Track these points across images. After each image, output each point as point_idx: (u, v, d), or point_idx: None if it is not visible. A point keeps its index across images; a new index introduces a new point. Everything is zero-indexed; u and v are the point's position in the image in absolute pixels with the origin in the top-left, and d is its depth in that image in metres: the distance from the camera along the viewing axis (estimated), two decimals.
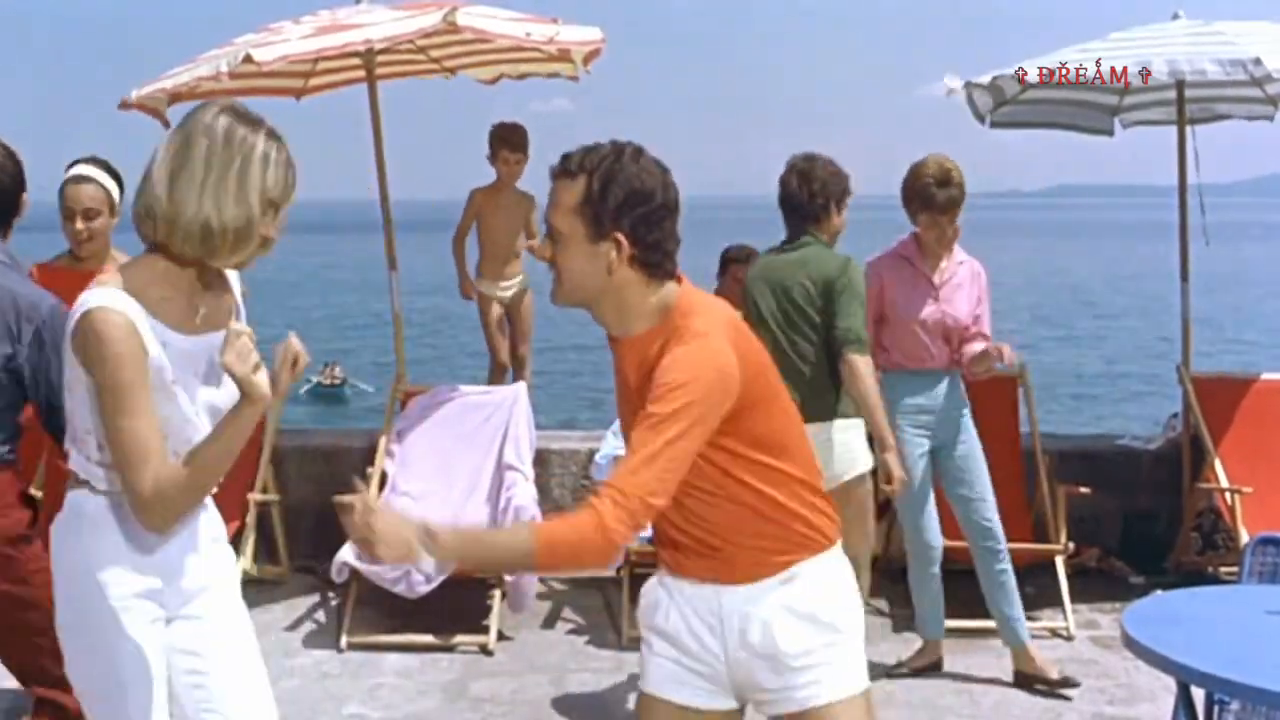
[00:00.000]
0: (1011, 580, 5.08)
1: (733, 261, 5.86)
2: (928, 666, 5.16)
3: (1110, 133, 7.06)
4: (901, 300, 5.05)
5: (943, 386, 5.08)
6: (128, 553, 2.61)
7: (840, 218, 4.78)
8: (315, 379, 26.93)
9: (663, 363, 2.47)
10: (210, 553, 2.78)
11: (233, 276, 2.76)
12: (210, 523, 2.81)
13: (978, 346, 5.08)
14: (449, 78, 7.04)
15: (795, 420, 2.70)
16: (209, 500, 2.78)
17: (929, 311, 5.04)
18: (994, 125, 6.66)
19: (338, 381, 26.79)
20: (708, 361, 2.45)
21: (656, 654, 2.74)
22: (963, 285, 5.12)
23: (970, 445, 5.12)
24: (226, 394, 2.60)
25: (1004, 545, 5.08)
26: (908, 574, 5.16)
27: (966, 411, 5.15)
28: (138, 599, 2.61)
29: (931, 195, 4.93)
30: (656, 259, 2.51)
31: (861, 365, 4.56)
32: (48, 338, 3.28)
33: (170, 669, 2.68)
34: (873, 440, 4.70)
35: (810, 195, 4.69)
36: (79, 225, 4.23)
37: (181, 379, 2.59)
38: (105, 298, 2.49)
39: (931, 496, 5.09)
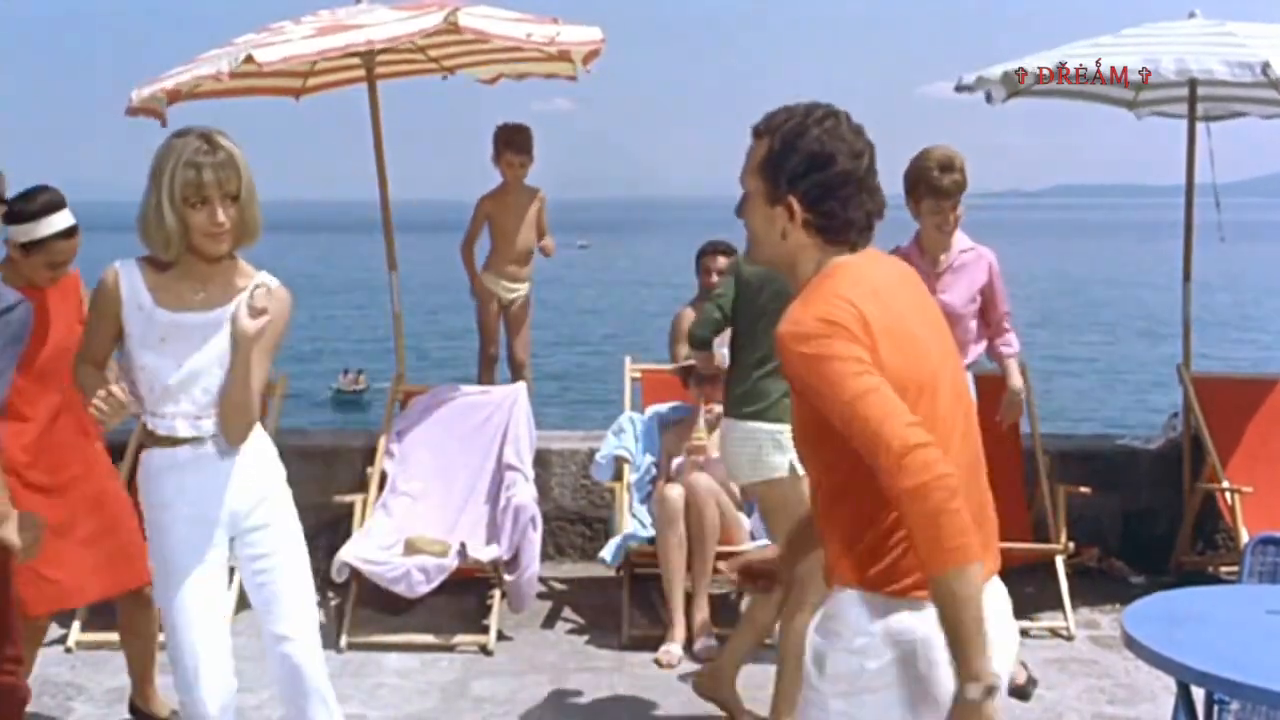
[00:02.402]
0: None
1: (703, 255, 6.29)
2: None
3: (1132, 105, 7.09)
4: None
5: None
6: (176, 485, 3.36)
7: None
8: (336, 386, 27.22)
9: (783, 344, 2.33)
10: (255, 480, 3.43)
11: (268, 281, 3.34)
12: (254, 458, 3.44)
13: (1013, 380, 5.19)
14: (447, 77, 7.04)
15: (935, 420, 2.34)
16: (248, 439, 3.42)
17: None
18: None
19: (361, 388, 27.04)
20: (815, 319, 2.31)
21: None
22: (963, 272, 5.13)
23: None
24: (212, 359, 3.30)
25: None
26: None
27: None
28: (182, 521, 3.36)
29: (935, 180, 4.95)
30: (834, 226, 2.43)
31: None
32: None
33: (241, 571, 3.49)
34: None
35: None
36: (54, 274, 4.17)
37: (146, 337, 3.29)
38: (119, 264, 3.31)
39: None
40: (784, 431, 4.30)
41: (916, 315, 2.45)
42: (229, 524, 3.42)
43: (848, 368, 2.26)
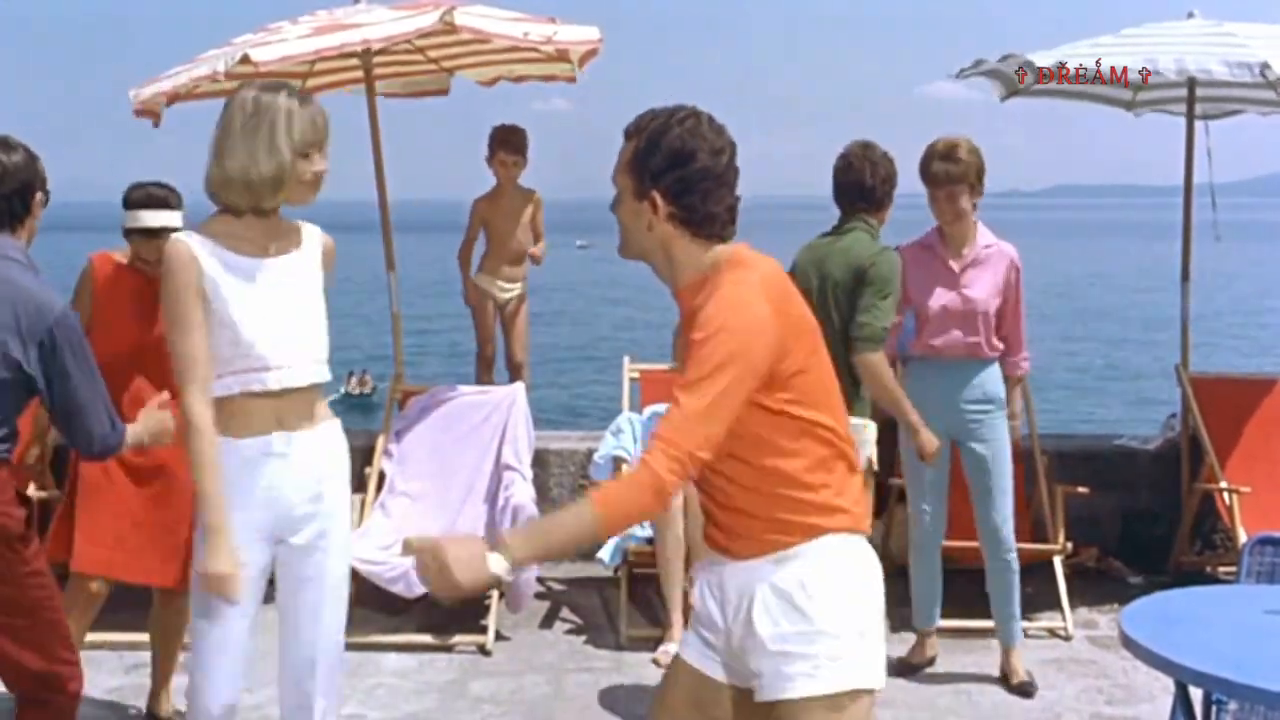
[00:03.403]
0: (1013, 584, 5.06)
1: None
2: (921, 664, 5.17)
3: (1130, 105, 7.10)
4: (920, 288, 4.99)
5: (958, 377, 4.97)
6: (229, 482, 3.20)
7: (890, 209, 4.79)
8: (344, 389, 27.09)
9: (698, 316, 2.53)
10: (320, 488, 3.35)
11: (313, 234, 3.38)
12: (324, 458, 3.37)
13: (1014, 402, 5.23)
14: (444, 93, 7.05)
15: (834, 396, 2.66)
16: (320, 437, 3.37)
17: (948, 298, 4.97)
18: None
19: (368, 390, 26.96)
20: (742, 311, 2.50)
21: (691, 621, 2.82)
22: (986, 268, 5.03)
23: (992, 446, 5.01)
24: (292, 305, 3.26)
25: (1011, 553, 5.03)
26: (909, 566, 5.16)
27: (993, 409, 5.02)
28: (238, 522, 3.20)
29: (929, 168, 4.91)
30: (696, 219, 2.60)
31: (873, 363, 4.55)
32: (60, 338, 3.28)
33: (278, 580, 3.39)
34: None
35: (879, 180, 4.71)
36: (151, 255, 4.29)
37: (225, 292, 3.17)
38: (181, 234, 3.25)
39: (940, 488, 5.04)
40: (861, 425, 4.55)
41: (798, 303, 2.66)
42: (273, 528, 3.31)
43: (736, 366, 2.46)
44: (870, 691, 2.61)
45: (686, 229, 2.61)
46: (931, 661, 5.18)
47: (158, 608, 4.65)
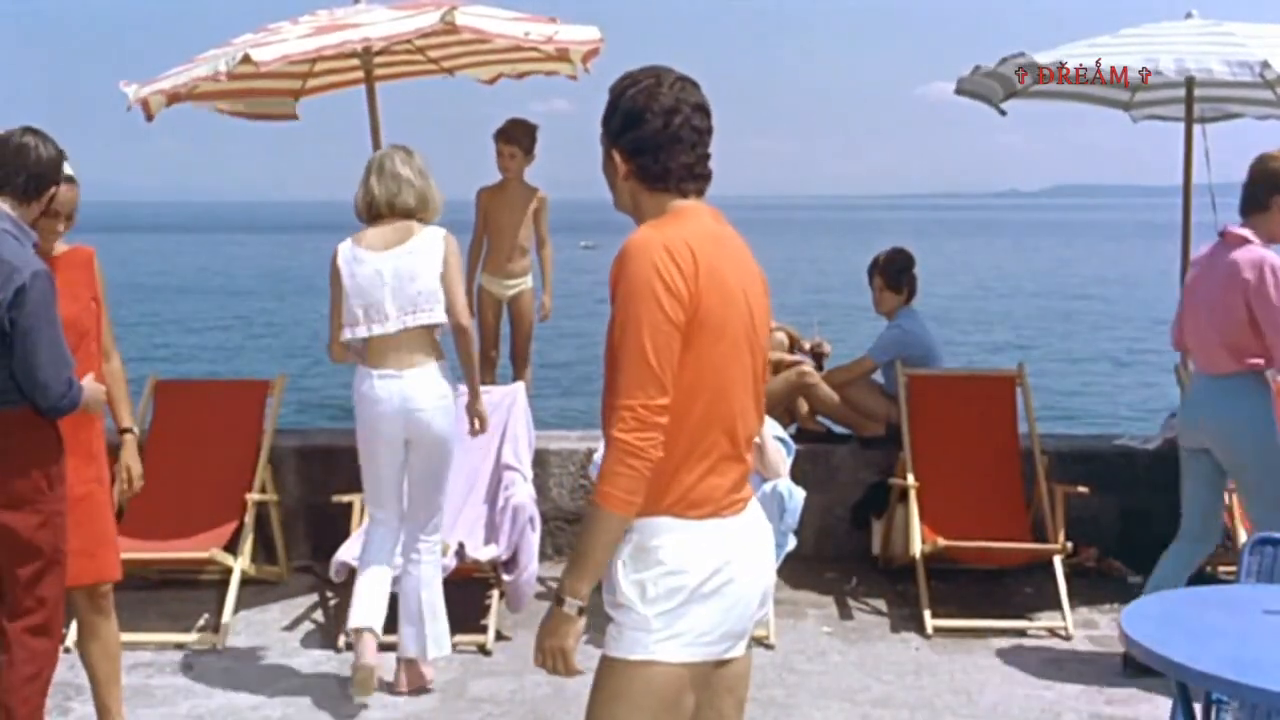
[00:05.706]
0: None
1: None
2: None
3: (1127, 106, 7.11)
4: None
5: None
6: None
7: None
8: None
9: (626, 254, 2.66)
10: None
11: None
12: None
13: None
14: (454, 74, 7.05)
15: (711, 388, 2.66)
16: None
17: None
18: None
19: None
20: (636, 256, 2.61)
21: None
22: None
23: None
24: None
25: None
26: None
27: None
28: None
29: None
30: (652, 175, 2.74)
31: None
32: (27, 298, 3.60)
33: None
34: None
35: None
36: (61, 227, 4.17)
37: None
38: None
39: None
40: None
41: (733, 270, 2.73)
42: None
43: (653, 309, 2.56)
44: (671, 665, 2.68)
45: (643, 184, 2.75)
46: None
47: (83, 614, 4.21)
